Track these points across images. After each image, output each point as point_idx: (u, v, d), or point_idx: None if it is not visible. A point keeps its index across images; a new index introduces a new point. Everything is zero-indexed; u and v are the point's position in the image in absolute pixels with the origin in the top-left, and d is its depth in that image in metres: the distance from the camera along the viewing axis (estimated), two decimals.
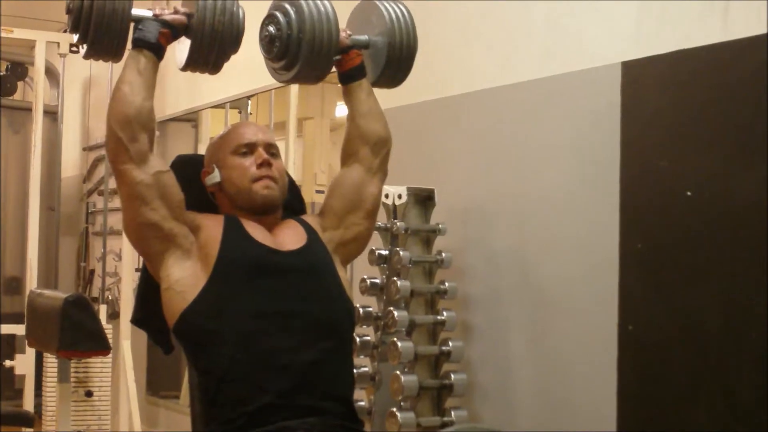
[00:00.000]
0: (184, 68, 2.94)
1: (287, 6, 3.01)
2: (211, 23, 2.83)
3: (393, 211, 4.21)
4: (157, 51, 2.83)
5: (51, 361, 6.27)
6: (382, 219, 4.16)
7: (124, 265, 6.83)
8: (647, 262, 3.56)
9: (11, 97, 8.49)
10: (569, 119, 3.92)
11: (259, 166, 2.91)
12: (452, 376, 4.07)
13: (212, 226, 2.85)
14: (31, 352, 6.68)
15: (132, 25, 2.82)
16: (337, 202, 3.07)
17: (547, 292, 3.98)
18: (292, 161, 5.80)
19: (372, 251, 4.16)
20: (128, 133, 2.74)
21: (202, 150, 3.06)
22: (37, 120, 7.17)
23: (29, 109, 7.56)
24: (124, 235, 6.84)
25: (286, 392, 2.70)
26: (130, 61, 2.81)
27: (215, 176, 2.95)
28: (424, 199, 4.21)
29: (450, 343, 4.09)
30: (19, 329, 6.43)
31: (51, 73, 7.99)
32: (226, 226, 2.86)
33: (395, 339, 4.01)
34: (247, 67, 6.37)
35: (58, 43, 7.33)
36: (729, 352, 3.30)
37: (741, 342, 3.26)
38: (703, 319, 3.37)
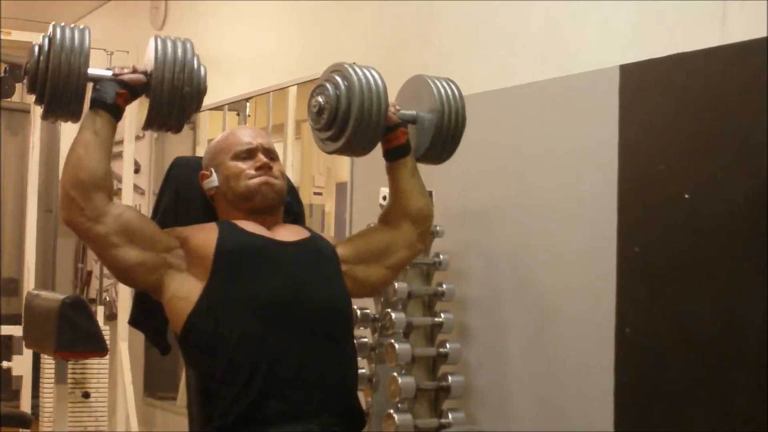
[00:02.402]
0: (145, 127, 2.89)
1: (338, 78, 2.94)
2: (170, 82, 2.75)
3: None
4: (114, 112, 2.77)
5: (48, 363, 6.27)
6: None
7: None
8: (645, 266, 3.57)
9: (9, 99, 8.48)
10: (567, 122, 3.92)
11: (258, 170, 2.92)
12: (449, 378, 4.08)
13: (205, 231, 2.85)
14: (28, 354, 6.67)
15: (90, 84, 2.76)
16: (363, 246, 3.06)
17: (545, 295, 3.98)
18: (290, 163, 5.81)
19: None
20: (82, 194, 2.69)
21: (200, 152, 3.05)
22: (35, 122, 7.16)
23: (27, 111, 7.56)
24: None
25: (283, 387, 2.71)
26: (87, 122, 2.74)
27: (213, 180, 2.96)
28: None
29: (447, 345, 4.09)
30: (16, 330, 6.43)
31: None
32: (222, 228, 2.86)
33: (393, 341, 4.02)
34: (246, 69, 6.40)
35: None
36: (726, 357, 3.30)
37: (738, 346, 3.26)
38: (701, 323, 3.38)
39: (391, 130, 3.00)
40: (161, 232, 2.84)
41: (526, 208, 4.08)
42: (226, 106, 6.49)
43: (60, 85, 2.68)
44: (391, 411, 4.03)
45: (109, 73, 2.80)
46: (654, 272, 3.54)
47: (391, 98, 2.99)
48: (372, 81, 2.92)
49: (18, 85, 8.59)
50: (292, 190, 3.19)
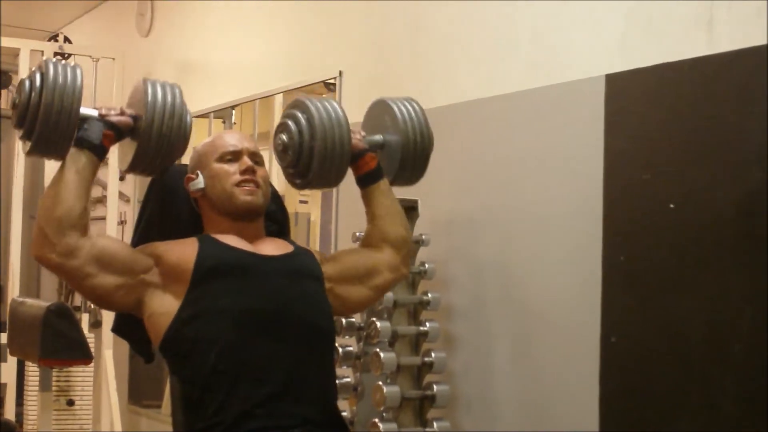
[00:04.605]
0: (128, 171, 2.88)
1: (298, 114, 2.98)
2: (159, 128, 2.75)
3: None
4: (99, 152, 2.76)
5: (33, 370, 6.25)
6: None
7: None
8: (630, 275, 3.57)
9: None
10: (553, 131, 3.93)
11: (243, 173, 2.93)
12: (435, 387, 4.07)
13: (183, 246, 2.85)
14: (12, 361, 6.65)
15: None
16: (347, 265, 3.08)
17: (531, 304, 3.98)
18: (276, 171, 5.79)
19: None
20: (56, 231, 2.68)
21: (185, 159, 3.05)
22: None
23: None
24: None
25: (267, 401, 2.71)
26: (69, 160, 2.73)
27: (199, 182, 2.96)
28: (407, 210, 4.19)
29: (432, 354, 4.09)
30: (0, 338, 6.40)
31: None
32: (201, 242, 2.87)
33: (378, 350, 4.01)
34: (232, 77, 6.39)
35: (42, 52, 7.30)
36: (712, 365, 3.30)
37: (724, 354, 3.26)
38: (686, 332, 3.38)
39: (359, 156, 3.03)
40: (136, 253, 2.84)
41: (512, 217, 4.08)
42: (212, 114, 6.49)
43: (50, 125, 2.66)
44: (376, 420, 4.03)
45: (96, 113, 2.78)
46: (639, 281, 3.54)
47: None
48: (332, 111, 2.96)
49: (4, 91, 8.58)
50: (276, 198, 3.20)
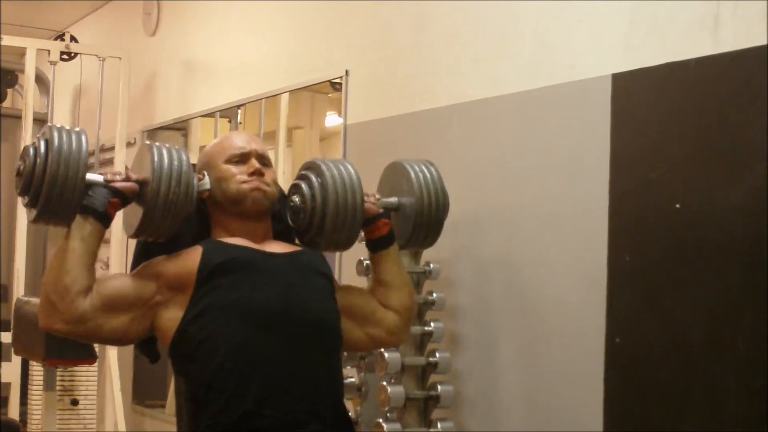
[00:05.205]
0: (134, 236, 2.85)
1: (312, 176, 2.94)
2: (165, 194, 2.71)
3: None
4: (104, 220, 2.74)
5: (37, 370, 6.25)
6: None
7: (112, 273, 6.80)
8: (635, 275, 3.56)
9: (1, 105, 8.47)
10: (559, 131, 3.92)
11: (251, 174, 2.92)
12: (439, 387, 4.07)
13: (184, 256, 2.84)
14: (17, 360, 6.66)
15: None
16: (352, 299, 3.04)
17: (536, 304, 3.97)
18: (282, 171, 5.80)
19: (360, 261, 4.16)
20: (62, 299, 2.68)
21: (192, 159, 3.03)
22: (27, 127, 7.14)
23: (19, 117, 7.54)
24: (111, 243, 6.87)
25: (275, 399, 2.71)
26: (75, 228, 2.71)
27: (205, 183, 2.95)
28: None
29: (437, 354, 4.08)
30: (5, 337, 6.41)
31: (41, 81, 7.97)
32: (206, 246, 2.86)
33: (382, 350, 4.01)
34: (238, 76, 6.39)
35: (49, 51, 7.31)
36: (716, 364, 3.29)
37: (728, 354, 3.25)
38: (691, 332, 3.37)
39: (372, 221, 2.99)
40: (137, 283, 2.82)
41: (517, 217, 4.07)
42: (218, 113, 6.49)
43: (56, 193, 2.64)
44: (380, 420, 4.02)
45: (101, 178, 2.75)
46: (645, 281, 3.54)
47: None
48: (345, 175, 2.91)
49: (9, 90, 8.60)
50: (283, 199, 3.18)
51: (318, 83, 5.50)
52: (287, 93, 5.86)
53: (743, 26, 3.26)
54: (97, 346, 5.20)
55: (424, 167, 3.08)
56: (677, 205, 3.41)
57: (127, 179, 2.78)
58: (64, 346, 4.43)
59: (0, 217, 8.03)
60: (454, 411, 4.18)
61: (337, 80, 5.27)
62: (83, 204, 2.71)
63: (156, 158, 2.74)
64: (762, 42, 3.18)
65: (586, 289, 3.73)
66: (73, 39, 7.85)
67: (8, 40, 7.04)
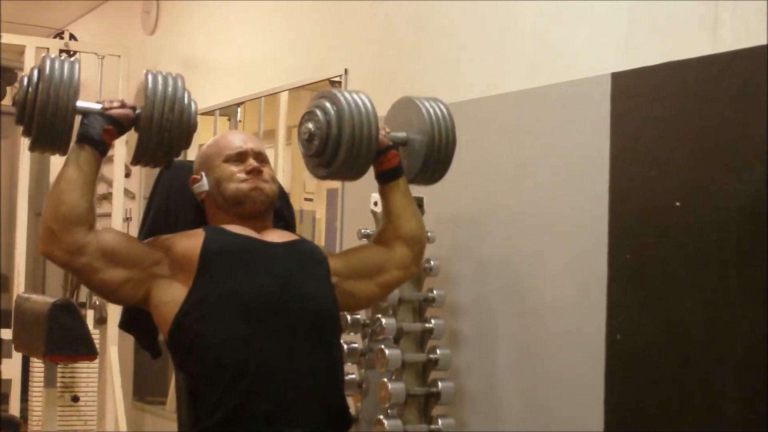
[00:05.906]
0: (132, 163, 2.86)
1: (327, 104, 2.94)
2: (159, 119, 2.71)
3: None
4: (100, 148, 2.74)
5: (38, 366, 6.26)
6: (370, 227, 4.17)
7: None
8: (636, 273, 3.57)
9: (0, 102, 8.47)
10: (559, 130, 3.93)
11: (249, 173, 2.92)
12: (439, 384, 4.08)
13: (189, 237, 2.85)
14: (17, 357, 6.66)
15: (79, 116, 2.73)
16: (355, 261, 3.06)
17: (536, 302, 3.99)
18: (281, 169, 5.81)
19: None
20: (62, 228, 2.68)
21: (191, 156, 3.04)
22: None
23: None
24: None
25: (274, 393, 2.71)
26: (71, 156, 2.72)
27: (203, 185, 2.96)
28: None
29: (438, 351, 4.09)
30: (6, 333, 6.41)
31: None
32: (208, 232, 2.87)
33: (383, 346, 4.02)
34: (237, 74, 6.40)
35: (48, 49, 7.31)
36: (715, 364, 3.31)
37: (727, 354, 3.27)
38: (690, 331, 3.38)
39: (382, 153, 3.01)
40: (144, 247, 2.84)
41: (518, 215, 4.09)
42: (217, 111, 6.50)
43: (48, 119, 2.65)
44: (381, 417, 4.03)
45: (98, 107, 2.77)
46: (645, 279, 3.55)
47: (380, 112, 2.99)
48: (362, 105, 2.93)
49: (9, 88, 8.60)
50: (282, 196, 3.19)
51: (317, 82, 5.51)
52: (287, 91, 5.87)
53: (742, 26, 3.28)
54: (97, 343, 5.22)
55: (434, 104, 3.10)
56: (677, 204, 3.42)
57: (123, 106, 2.78)
58: (64, 342, 4.44)
59: (0, 212, 8.04)
60: (455, 408, 4.19)
61: (337, 79, 5.28)
62: (79, 132, 2.72)
63: (150, 84, 2.74)
64: (761, 42, 3.20)
65: (586, 286, 3.74)
66: (72, 37, 7.87)
67: (8, 38, 7.04)
